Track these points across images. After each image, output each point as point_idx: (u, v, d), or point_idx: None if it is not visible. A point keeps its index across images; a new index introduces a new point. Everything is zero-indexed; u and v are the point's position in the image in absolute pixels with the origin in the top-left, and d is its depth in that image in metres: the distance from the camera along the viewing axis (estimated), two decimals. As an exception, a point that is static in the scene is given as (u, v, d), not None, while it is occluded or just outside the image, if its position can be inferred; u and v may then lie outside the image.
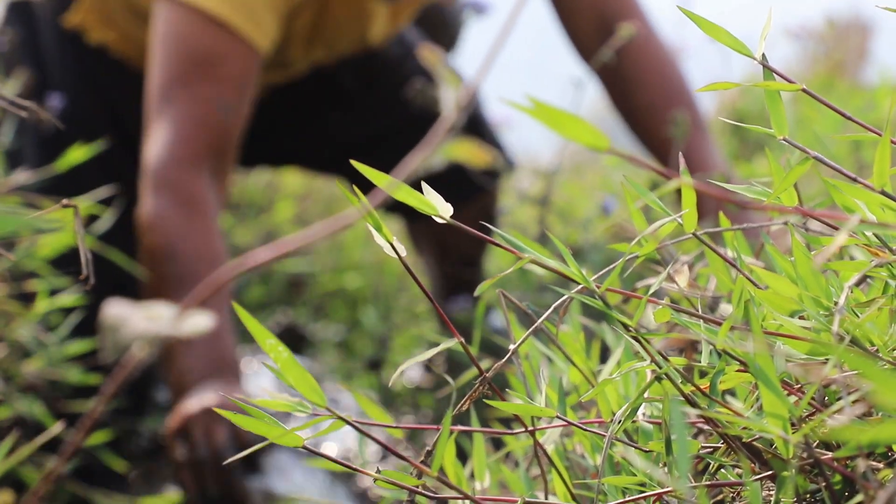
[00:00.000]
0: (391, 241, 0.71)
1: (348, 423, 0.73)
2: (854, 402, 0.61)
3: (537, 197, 2.24)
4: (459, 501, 0.96)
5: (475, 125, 2.28)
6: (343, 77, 2.19)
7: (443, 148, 0.49)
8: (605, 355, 1.03)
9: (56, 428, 0.77)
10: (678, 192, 0.72)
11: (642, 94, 1.94)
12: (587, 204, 2.38)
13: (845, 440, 0.63)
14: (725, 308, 0.87)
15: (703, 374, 0.73)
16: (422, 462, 0.75)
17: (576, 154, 4.36)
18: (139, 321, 0.39)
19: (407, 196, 0.65)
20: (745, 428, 0.66)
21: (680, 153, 0.76)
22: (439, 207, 0.68)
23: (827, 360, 0.65)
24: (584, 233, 2.13)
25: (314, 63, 2.09)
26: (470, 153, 0.50)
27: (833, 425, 0.61)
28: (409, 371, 2.35)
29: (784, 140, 0.69)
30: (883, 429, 0.46)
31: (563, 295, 0.75)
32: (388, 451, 0.72)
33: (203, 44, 1.73)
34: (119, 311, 0.39)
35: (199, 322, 0.44)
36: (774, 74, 0.69)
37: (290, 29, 1.90)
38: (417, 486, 0.74)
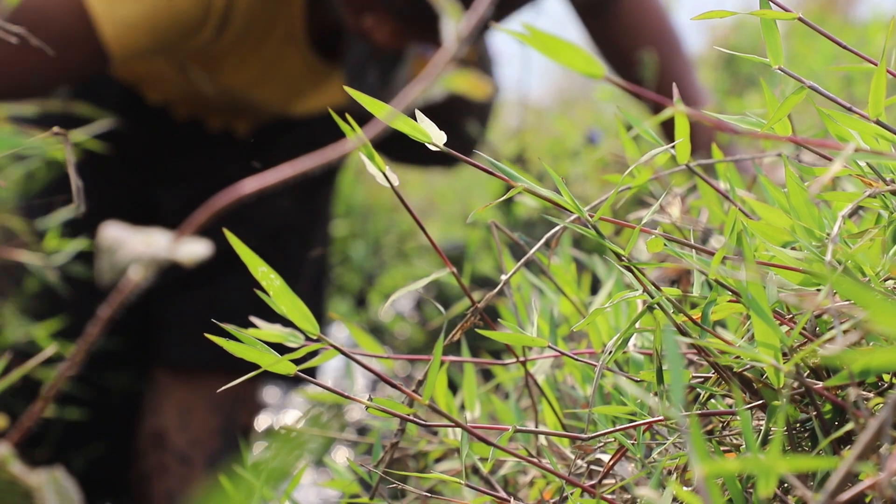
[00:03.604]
0: (384, 171, 0.70)
1: (341, 351, 0.73)
2: (846, 331, 0.61)
3: (527, 131, 2.23)
4: (450, 430, 0.97)
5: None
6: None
7: (443, 79, 0.49)
8: (595, 289, 1.03)
9: (50, 350, 0.77)
10: (665, 129, 0.71)
11: (627, 33, 1.92)
12: (576, 139, 2.38)
13: (837, 367, 0.64)
14: (718, 240, 0.87)
15: (694, 307, 0.73)
16: (413, 391, 0.75)
17: (565, 91, 4.34)
18: (136, 244, 0.39)
19: (402, 125, 0.65)
20: (736, 357, 0.67)
21: (673, 83, 0.76)
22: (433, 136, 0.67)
23: (819, 289, 0.65)
24: (573, 166, 2.12)
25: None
26: (469, 84, 0.49)
27: (825, 354, 0.62)
28: (398, 306, 2.36)
29: (779, 69, 0.69)
30: (875, 355, 0.46)
31: (553, 228, 0.75)
32: (380, 379, 0.72)
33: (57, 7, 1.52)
34: (116, 234, 0.39)
35: (194, 249, 0.44)
36: (770, 3, 0.68)
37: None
38: (409, 415, 0.74)
